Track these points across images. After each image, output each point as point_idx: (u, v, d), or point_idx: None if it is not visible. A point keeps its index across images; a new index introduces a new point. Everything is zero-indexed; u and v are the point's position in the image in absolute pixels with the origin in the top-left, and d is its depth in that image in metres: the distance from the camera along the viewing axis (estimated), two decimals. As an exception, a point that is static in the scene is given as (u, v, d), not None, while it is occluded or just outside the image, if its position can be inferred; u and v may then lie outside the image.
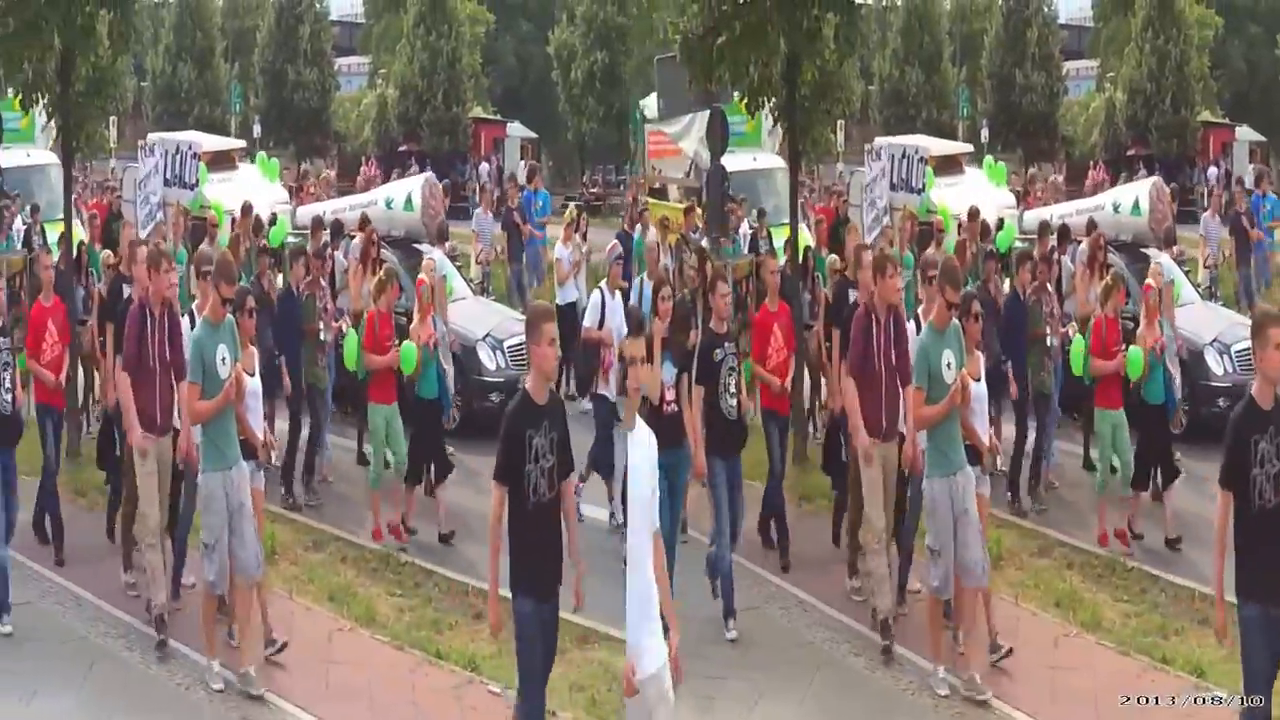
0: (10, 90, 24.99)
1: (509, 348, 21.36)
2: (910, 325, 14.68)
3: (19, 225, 25.26)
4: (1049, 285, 18.39)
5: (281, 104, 40.58)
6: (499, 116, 43.61)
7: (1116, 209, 23.40)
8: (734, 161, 30.61)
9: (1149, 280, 18.08)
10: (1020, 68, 45.54)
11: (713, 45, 19.66)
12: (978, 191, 26.28)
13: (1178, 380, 17.34)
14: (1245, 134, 46.40)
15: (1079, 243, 21.45)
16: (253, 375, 13.86)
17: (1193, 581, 15.42)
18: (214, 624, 13.48)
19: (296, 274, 18.32)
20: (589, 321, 17.84)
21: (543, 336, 9.80)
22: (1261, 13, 51.50)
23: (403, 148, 41.31)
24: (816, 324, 19.19)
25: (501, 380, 20.95)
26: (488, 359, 21.28)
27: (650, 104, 35.96)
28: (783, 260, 21.53)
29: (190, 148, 25.52)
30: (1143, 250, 22.49)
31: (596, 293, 18.17)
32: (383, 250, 21.53)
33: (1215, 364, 20.83)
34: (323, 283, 18.77)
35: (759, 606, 14.93)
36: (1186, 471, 17.17)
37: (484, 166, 40.25)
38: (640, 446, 9.42)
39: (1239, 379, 19.88)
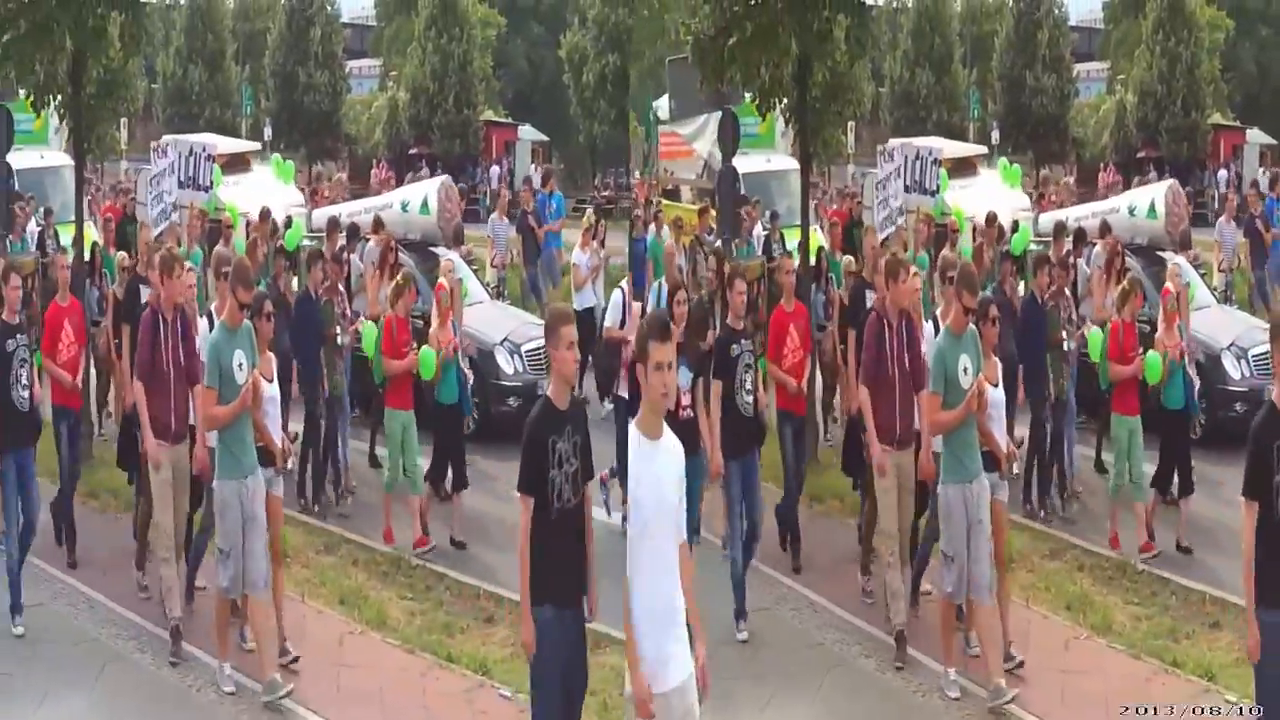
0: (22, 92, 25.06)
1: (527, 352, 21.17)
2: (928, 325, 14.68)
3: (32, 228, 25.23)
4: (1066, 289, 18.31)
5: (292, 106, 40.50)
6: (510, 120, 43.55)
7: (1132, 212, 23.27)
8: (747, 163, 30.51)
9: (1167, 284, 17.94)
10: (1031, 70, 45.34)
11: (724, 46, 19.69)
12: (992, 193, 26.19)
13: (1197, 385, 17.28)
14: (1256, 137, 46.26)
15: (1093, 245, 21.39)
16: (271, 380, 13.76)
17: (1204, 585, 15.43)
18: (227, 627, 13.51)
19: (315, 278, 18.16)
20: (610, 321, 17.83)
21: (562, 340, 9.72)
22: (1273, 15, 51.33)
23: (413, 150, 41.22)
24: (831, 325, 19.17)
25: (519, 385, 20.81)
26: (505, 363, 21.04)
27: (663, 105, 35.91)
28: (795, 262, 21.50)
29: (204, 150, 25.40)
30: (1159, 253, 22.37)
31: (618, 292, 18.15)
32: (400, 254, 21.40)
33: (1232, 368, 20.57)
34: (341, 287, 18.68)
35: (770, 608, 14.95)
36: (1200, 476, 17.15)
37: (494, 170, 40.18)
38: (667, 453, 9.28)
39: (1256, 383, 19.79)
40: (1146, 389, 16.76)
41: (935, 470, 13.70)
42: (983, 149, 31.57)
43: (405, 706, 13.27)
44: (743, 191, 29.21)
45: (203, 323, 15.13)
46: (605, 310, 18.94)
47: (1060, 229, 21.24)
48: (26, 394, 14.73)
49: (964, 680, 13.25)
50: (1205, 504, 17.48)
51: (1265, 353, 18.93)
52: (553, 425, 9.84)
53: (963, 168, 28.08)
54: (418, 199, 23.84)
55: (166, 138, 27.22)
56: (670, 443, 9.29)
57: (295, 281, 20.06)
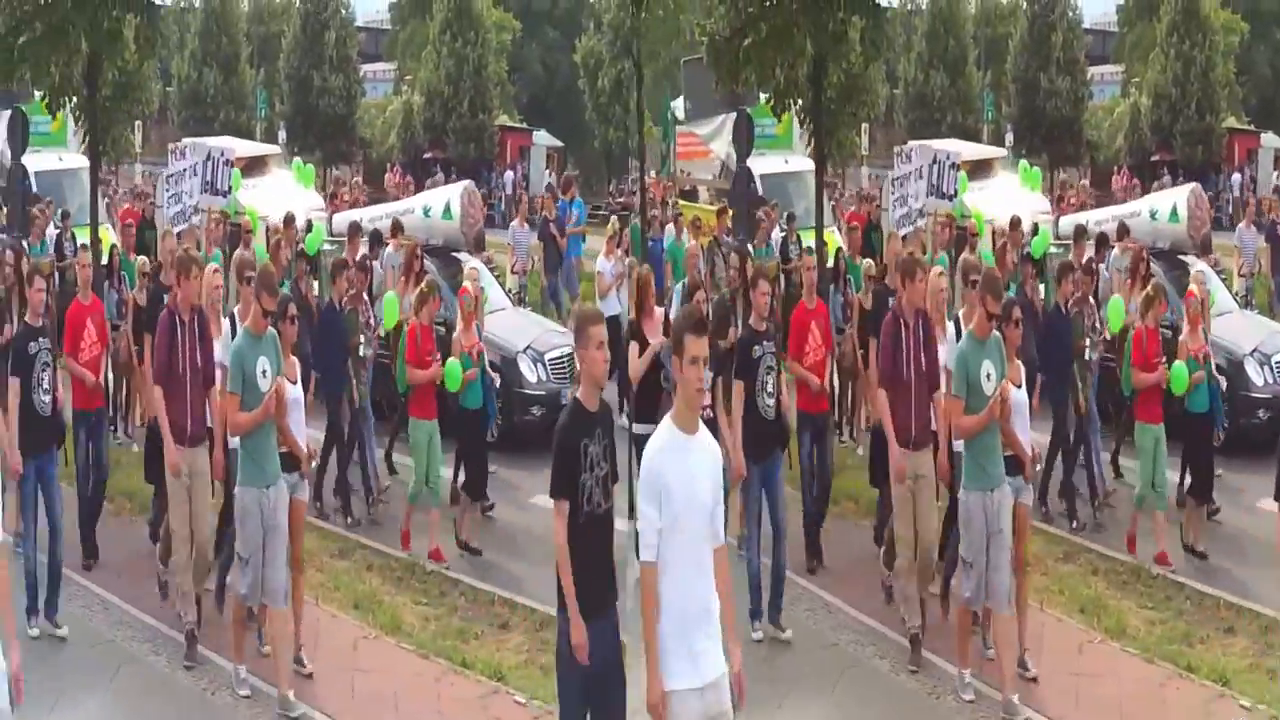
0: (38, 94, 25.14)
1: (550, 360, 21.10)
2: (949, 326, 14.65)
3: (51, 230, 25.29)
4: (1090, 297, 18.19)
5: (307, 110, 40.61)
6: (525, 125, 43.59)
7: (1154, 215, 23.17)
8: (765, 164, 30.52)
9: (1191, 287, 17.72)
10: (1045, 72, 45.39)
11: (739, 47, 19.73)
12: (1012, 196, 26.11)
13: (1224, 385, 17.20)
14: (1271, 141, 46.26)
15: (1112, 248, 21.30)
16: (295, 383, 13.60)
17: (1219, 590, 15.40)
18: (244, 631, 13.45)
19: (340, 288, 17.93)
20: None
21: (591, 340, 9.52)
22: (1288, 19, 51.38)
23: (428, 155, 41.32)
24: (849, 328, 19.15)
25: (543, 393, 20.74)
26: (529, 372, 20.93)
27: (680, 105, 35.98)
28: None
29: (223, 154, 25.34)
30: (1180, 258, 22.30)
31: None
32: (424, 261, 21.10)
33: (1255, 374, 20.49)
34: (365, 296, 18.55)
35: (785, 608, 14.87)
36: (1221, 483, 17.08)
37: (508, 175, 40.24)
38: (702, 451, 9.11)
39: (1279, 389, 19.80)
40: (1170, 396, 16.58)
41: (950, 471, 13.70)
42: (1001, 151, 31.44)
43: (420, 712, 13.24)
44: (760, 193, 29.17)
45: (225, 324, 15.00)
46: (628, 318, 18.84)
47: (1081, 233, 21.14)
48: (49, 398, 14.60)
49: (978, 683, 13.23)
50: (1227, 511, 17.53)
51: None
52: (584, 428, 9.65)
53: (979, 169, 28.05)
54: (440, 204, 23.64)
55: (186, 140, 27.19)
56: (705, 440, 9.14)
57: (316, 285, 20.01)
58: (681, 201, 31.08)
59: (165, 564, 15.17)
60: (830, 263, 20.81)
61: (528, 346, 21.15)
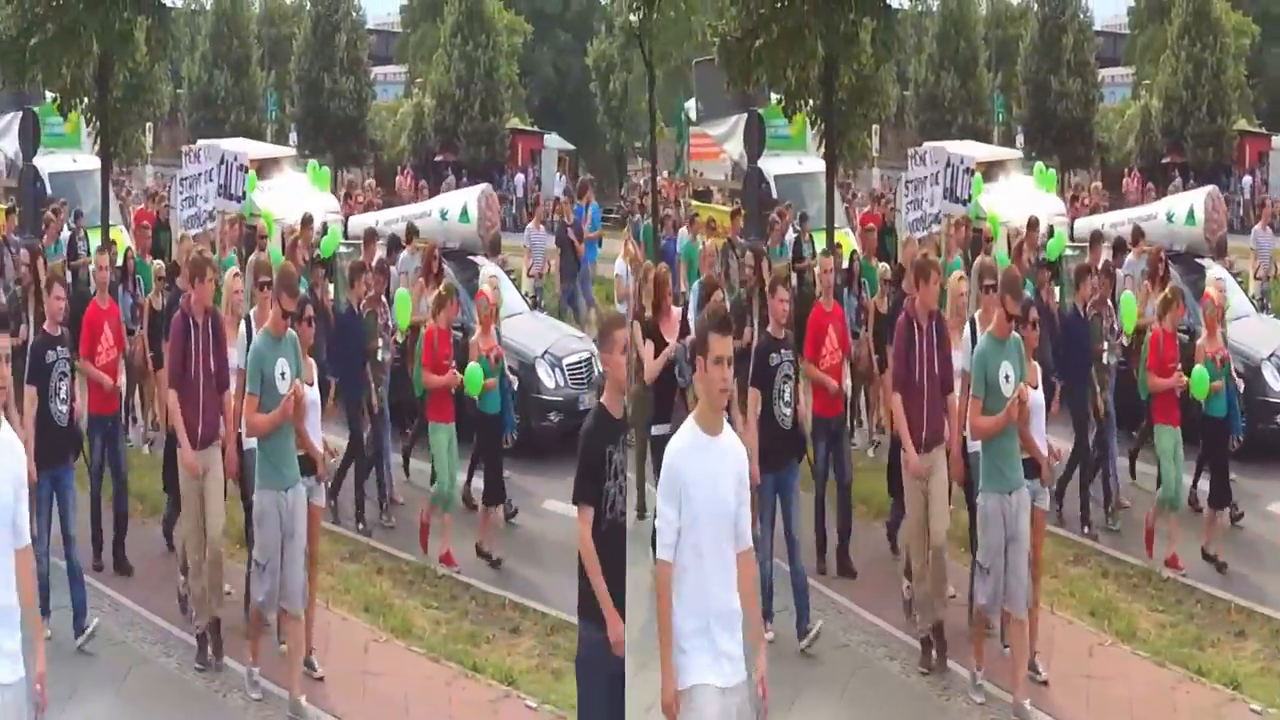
0: (49, 95, 25.18)
1: (568, 365, 20.90)
2: (965, 329, 14.60)
3: (65, 231, 25.31)
4: (1108, 299, 18.05)
5: (318, 112, 40.59)
6: (536, 128, 43.52)
7: (1171, 218, 23.05)
8: (779, 165, 30.46)
9: (1209, 290, 17.59)
10: (1056, 74, 45.29)
11: (750, 48, 19.76)
12: (1027, 198, 25.99)
13: (1242, 388, 17.12)
14: (1282, 143, 46.21)
15: (1129, 253, 21.20)
16: (312, 385, 13.56)
17: (1230, 594, 15.38)
18: (259, 634, 13.43)
19: (358, 291, 17.85)
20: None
21: (615, 345, 9.53)
22: (1299, 21, 51.29)
23: (439, 158, 41.29)
24: (864, 331, 19.10)
25: (560, 399, 20.56)
26: (546, 377, 20.67)
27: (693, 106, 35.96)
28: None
29: (237, 158, 25.19)
30: (1197, 260, 22.19)
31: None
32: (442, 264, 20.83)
33: (1273, 379, 20.25)
34: (383, 299, 18.44)
35: (793, 608, 14.89)
36: (1238, 489, 17.03)
37: (519, 178, 40.20)
38: (726, 451, 9.00)
39: (1298, 395, 19.77)
40: (1189, 400, 16.44)
41: (964, 472, 13.69)
42: (1016, 153, 31.30)
43: (431, 716, 13.25)
44: (774, 194, 29.11)
45: (240, 328, 14.89)
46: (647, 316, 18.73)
47: (1097, 237, 21.03)
48: (65, 408, 14.48)
49: (989, 685, 13.23)
50: (1245, 517, 17.43)
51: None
52: (609, 435, 9.65)
53: (993, 171, 27.94)
54: (457, 207, 23.47)
55: (200, 142, 27.09)
56: (730, 442, 9.04)
57: (331, 289, 19.94)
58: (694, 202, 31.04)
59: (185, 575, 15.16)
60: (845, 264, 20.76)
61: (545, 352, 20.92)
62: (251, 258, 19.82)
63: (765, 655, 9.26)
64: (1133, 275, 20.33)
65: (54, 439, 14.33)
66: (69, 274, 22.79)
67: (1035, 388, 13.23)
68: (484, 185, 24.96)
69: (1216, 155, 43.10)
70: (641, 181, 34.04)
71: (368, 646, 14.51)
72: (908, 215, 26.40)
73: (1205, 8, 43.49)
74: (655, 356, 16.04)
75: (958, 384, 13.89)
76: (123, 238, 24.33)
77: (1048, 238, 22.31)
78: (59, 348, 14.51)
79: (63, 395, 14.43)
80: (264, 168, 26.80)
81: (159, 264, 20.24)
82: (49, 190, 28.23)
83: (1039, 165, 28.93)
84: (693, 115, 36.03)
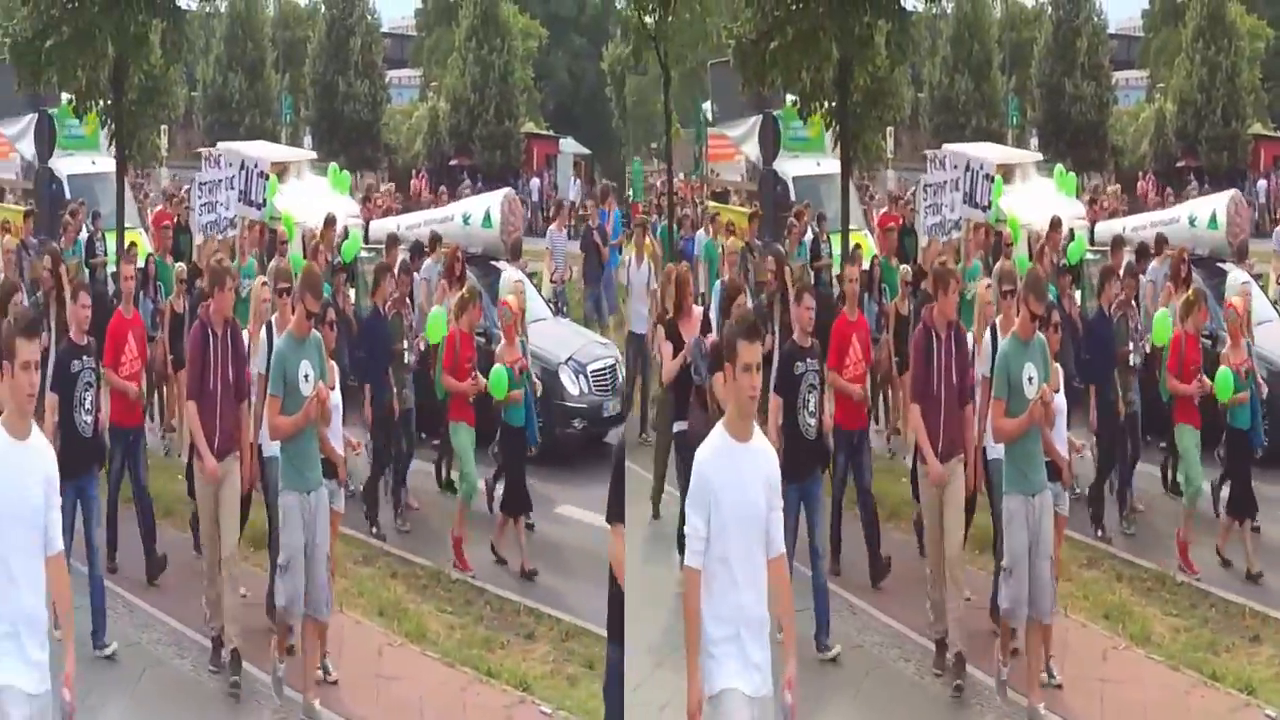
0: (65, 97, 25.24)
1: (592, 372, 20.74)
2: (985, 335, 14.54)
3: (83, 234, 25.35)
4: (1132, 301, 17.96)
5: (332, 115, 40.63)
6: (551, 132, 43.56)
7: (1193, 222, 22.94)
8: (797, 166, 30.42)
9: (1233, 299, 17.27)
10: (1070, 77, 45.27)
11: (765, 50, 19.77)
12: (1047, 201, 25.86)
13: (1265, 392, 17.01)
14: (1297, 147, 46.11)
15: (1152, 259, 21.05)
16: (333, 389, 13.41)
17: (1244, 598, 15.35)
18: (285, 641, 13.29)
19: (383, 292, 17.70)
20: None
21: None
22: (1314, 25, 51.20)
23: (454, 162, 41.33)
24: (884, 335, 19.05)
25: (584, 406, 20.42)
26: (570, 384, 20.47)
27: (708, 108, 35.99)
28: (838, 268, 21.42)
29: (257, 165, 25.05)
30: (1219, 265, 22.10)
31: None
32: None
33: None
34: (408, 301, 18.34)
35: (809, 609, 14.90)
36: (1259, 496, 17.00)
37: (534, 182, 40.20)
38: (757, 456, 8.92)
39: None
40: (1214, 403, 16.32)
41: (985, 479, 13.67)
42: (1036, 155, 31.12)
43: (446, 720, 13.29)
44: (792, 195, 29.07)
45: (261, 336, 14.82)
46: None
47: (1119, 241, 20.93)
48: (90, 419, 14.27)
49: (1013, 692, 13.23)
50: (1263, 524, 17.36)
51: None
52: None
53: (1008, 174, 27.80)
54: (479, 212, 23.35)
55: (221, 146, 27.00)
56: (760, 446, 8.96)
57: (352, 294, 19.86)
58: (712, 203, 31.04)
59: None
60: (865, 267, 20.73)
61: (569, 358, 20.74)
62: (272, 263, 19.82)
63: (795, 662, 9.17)
64: (1155, 281, 20.23)
65: (79, 449, 14.10)
66: (86, 270, 22.84)
67: (1057, 391, 13.16)
68: (506, 190, 24.83)
69: (1231, 159, 43.04)
70: (658, 183, 34.02)
71: (382, 650, 14.51)
72: (926, 219, 26.32)
73: (1220, 11, 43.45)
74: (674, 357, 16.01)
75: (977, 392, 13.86)
76: (142, 241, 24.36)
77: (1068, 241, 22.23)
78: (85, 357, 14.33)
79: (88, 405, 14.23)
80: (283, 171, 26.69)
81: (180, 266, 20.18)
82: (68, 192, 28.29)
83: (1059, 168, 28.82)
84: (709, 117, 36.04)
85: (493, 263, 22.49)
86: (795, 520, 13.89)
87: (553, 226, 28.54)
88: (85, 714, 12.81)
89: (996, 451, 13.48)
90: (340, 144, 39.92)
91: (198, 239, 24.37)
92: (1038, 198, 26.11)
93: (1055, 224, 21.99)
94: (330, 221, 22.31)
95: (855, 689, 13.68)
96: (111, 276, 21.99)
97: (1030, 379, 12.58)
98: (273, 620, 14.27)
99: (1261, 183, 42.79)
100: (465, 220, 23.40)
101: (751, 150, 32.50)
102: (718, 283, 19.32)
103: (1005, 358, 12.72)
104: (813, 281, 21.53)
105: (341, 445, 13.84)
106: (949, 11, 46.07)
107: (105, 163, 28.36)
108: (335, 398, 13.56)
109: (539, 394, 17.48)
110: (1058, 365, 13.37)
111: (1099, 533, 17.21)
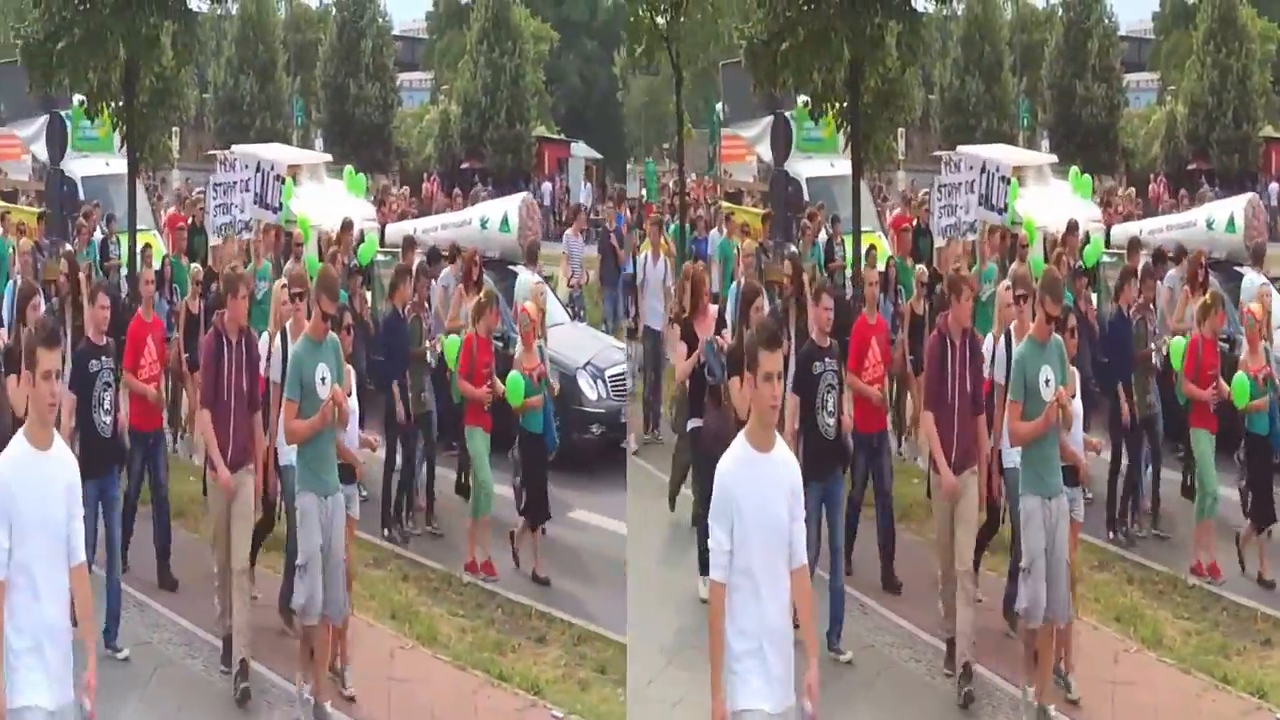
0: (76, 99, 25.26)
1: (610, 377, 20.61)
2: (999, 340, 14.49)
3: (98, 235, 25.36)
4: (1150, 304, 17.86)
5: (343, 118, 40.61)
6: (562, 136, 43.57)
7: (1210, 225, 22.87)
8: (811, 167, 30.35)
9: (1252, 305, 17.18)
10: (1081, 79, 45.20)
11: (777, 51, 19.77)
12: (1063, 203, 25.75)
13: None
14: (1308, 149, 46.07)
15: (1169, 267, 20.93)
16: (350, 394, 13.33)
17: (1256, 602, 15.34)
18: (310, 651, 13.18)
19: (402, 295, 17.59)
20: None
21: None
22: (1325, 27, 51.14)
23: (465, 165, 41.36)
24: (899, 335, 19.02)
25: (602, 411, 20.30)
26: (588, 388, 20.32)
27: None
28: (850, 270, 21.43)
29: (273, 168, 24.96)
30: (1236, 269, 21.98)
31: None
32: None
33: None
34: (427, 305, 18.23)
35: (821, 610, 14.88)
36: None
37: (546, 186, 40.19)
38: (779, 466, 8.93)
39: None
40: (1234, 409, 16.24)
41: (990, 493, 13.64)
42: (1051, 157, 31.09)
43: (458, 723, 13.30)
44: (806, 196, 29.03)
45: (275, 341, 14.73)
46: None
47: (1135, 243, 20.86)
48: (109, 418, 14.36)
49: (1011, 688, 13.24)
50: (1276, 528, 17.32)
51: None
52: None
53: (1022, 176, 27.69)
54: (497, 216, 23.32)
55: (236, 149, 26.98)
56: (782, 456, 8.97)
57: (369, 297, 19.82)
58: (725, 204, 31.02)
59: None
60: (880, 267, 20.70)
61: (587, 363, 20.60)
62: (287, 265, 19.81)
63: (817, 671, 9.15)
64: (1173, 287, 20.12)
65: (98, 449, 14.23)
66: (101, 272, 22.83)
67: (1074, 396, 13.08)
68: (524, 194, 24.81)
69: (1242, 162, 42.97)
70: (671, 183, 34.00)
71: (393, 653, 14.53)
72: (941, 220, 26.26)
73: (1231, 14, 43.41)
74: (688, 356, 15.97)
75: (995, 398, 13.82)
76: (157, 243, 24.36)
77: (1084, 244, 22.19)
78: (103, 357, 14.41)
79: (106, 405, 14.32)
80: (296, 173, 26.58)
81: (196, 268, 20.19)
82: (81, 194, 28.30)
83: (1074, 170, 28.78)
84: (721, 117, 36.02)
85: (510, 267, 22.38)
86: (818, 519, 13.96)
87: (569, 231, 28.46)
88: (98, 713, 12.88)
89: (1012, 459, 13.43)
90: (351, 147, 39.88)
91: (213, 240, 24.36)
92: (1053, 200, 26.05)
93: (1072, 228, 21.88)
94: (347, 226, 22.19)
95: (867, 689, 13.70)
96: (125, 279, 22.02)
97: (1047, 381, 12.53)
98: (285, 622, 14.30)
99: (1273, 185, 42.69)
100: (483, 224, 23.33)
101: (765, 151, 32.43)
102: (733, 285, 19.29)
103: (1022, 360, 12.67)
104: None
105: (357, 449, 13.80)
106: (960, 13, 46.13)
107: (119, 164, 28.28)
108: (352, 403, 13.47)
109: (556, 393, 17.43)
110: (1074, 369, 13.27)
111: (1111, 534, 17.18)
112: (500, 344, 18.12)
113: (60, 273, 19.08)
